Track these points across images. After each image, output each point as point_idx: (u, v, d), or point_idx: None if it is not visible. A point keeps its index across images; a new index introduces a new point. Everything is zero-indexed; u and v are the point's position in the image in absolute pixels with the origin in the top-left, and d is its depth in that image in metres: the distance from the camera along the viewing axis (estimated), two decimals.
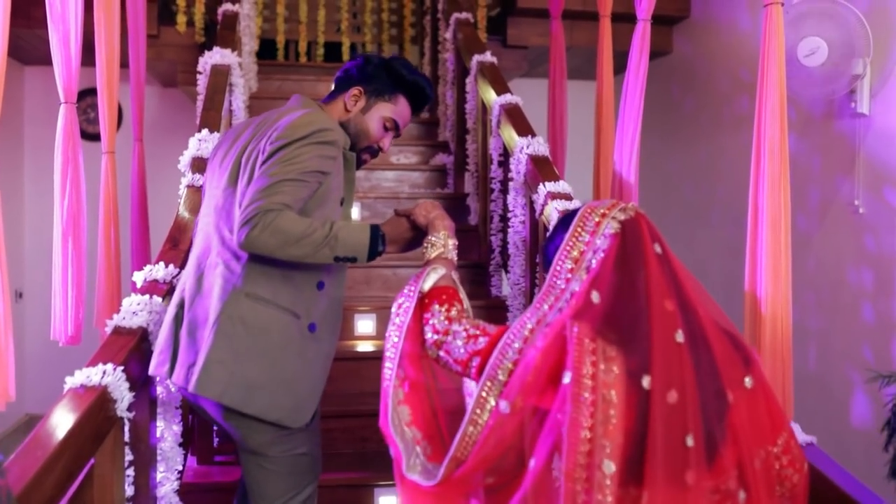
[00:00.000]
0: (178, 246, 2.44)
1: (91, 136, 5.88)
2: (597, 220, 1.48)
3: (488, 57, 3.90)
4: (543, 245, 1.68)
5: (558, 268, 1.49)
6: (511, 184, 3.21)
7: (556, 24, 4.51)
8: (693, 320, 1.42)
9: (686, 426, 1.35)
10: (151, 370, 2.00)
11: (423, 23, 5.46)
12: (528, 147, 3.08)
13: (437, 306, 1.64)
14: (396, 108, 2.06)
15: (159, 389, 2.16)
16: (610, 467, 1.32)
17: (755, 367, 1.48)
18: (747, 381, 1.45)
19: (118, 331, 2.04)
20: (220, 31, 4.17)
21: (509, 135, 3.35)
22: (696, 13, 5.41)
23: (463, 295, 1.71)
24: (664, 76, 5.73)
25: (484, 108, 3.87)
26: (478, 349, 1.54)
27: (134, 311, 2.09)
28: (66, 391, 1.80)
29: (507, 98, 3.46)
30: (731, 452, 1.41)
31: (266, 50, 5.77)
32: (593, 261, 1.45)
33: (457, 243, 1.85)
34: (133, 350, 1.98)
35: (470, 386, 1.74)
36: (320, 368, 1.99)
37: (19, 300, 5.89)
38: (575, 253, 1.47)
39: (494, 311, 3.45)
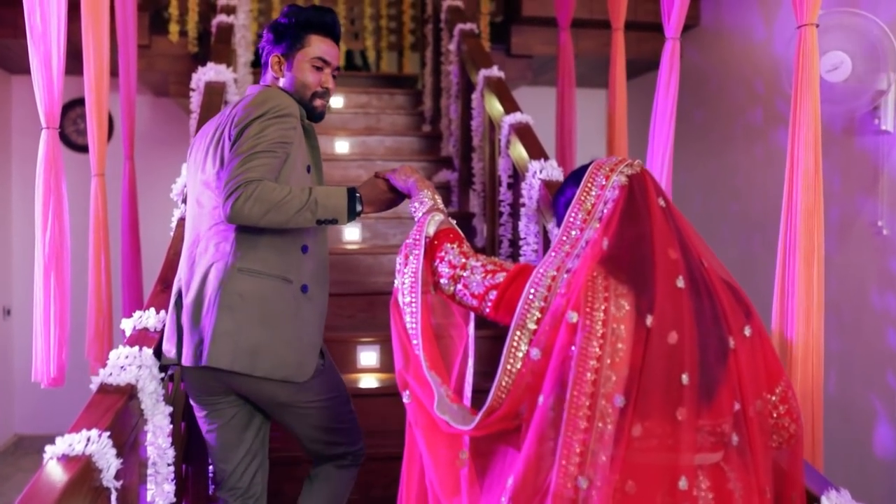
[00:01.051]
0: (169, 288, 2.26)
1: (80, 147, 5.70)
2: (606, 173, 1.56)
3: (495, 72, 3.73)
4: (553, 198, 1.74)
5: (572, 218, 1.56)
6: (523, 209, 3.04)
7: (564, 34, 4.35)
8: (696, 269, 1.50)
9: (683, 365, 1.42)
10: (163, 357, 2.09)
11: (425, 31, 5.28)
12: (541, 171, 2.91)
13: (448, 244, 1.71)
14: (314, 48, 2.16)
15: (150, 450, 1.98)
16: (621, 400, 1.40)
17: (755, 319, 1.55)
18: (747, 330, 1.51)
19: (104, 389, 1.86)
20: (215, 45, 3.99)
21: (519, 156, 3.18)
22: (706, 21, 5.25)
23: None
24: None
25: (491, 126, 3.69)
26: (496, 283, 1.61)
27: (122, 365, 1.92)
28: (47, 461, 1.63)
29: (518, 117, 3.28)
30: (728, 395, 1.47)
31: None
32: (604, 210, 1.53)
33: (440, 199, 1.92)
34: (120, 411, 1.80)
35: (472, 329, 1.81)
36: (317, 325, 2.13)
37: (7, 317, 5.70)
38: (587, 205, 1.55)
39: (502, 341, 3.27)
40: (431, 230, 1.76)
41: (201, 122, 3.24)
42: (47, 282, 2.60)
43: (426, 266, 1.71)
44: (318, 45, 2.16)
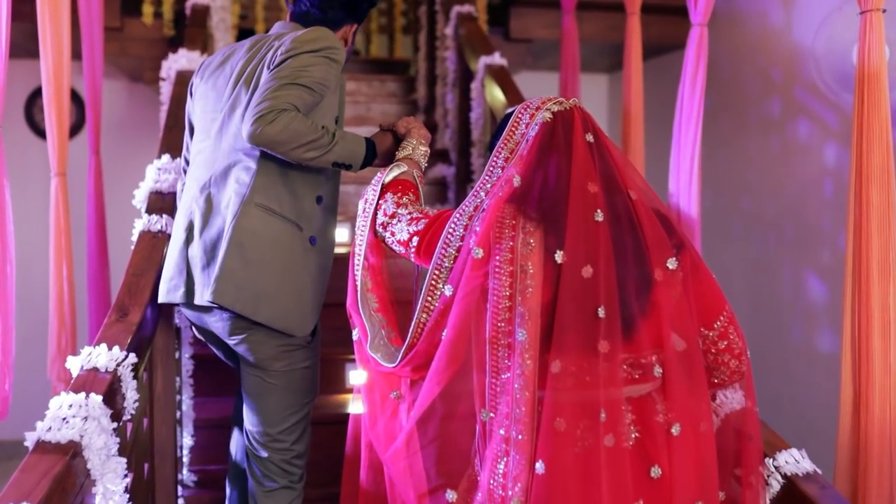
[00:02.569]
0: (127, 316, 1.94)
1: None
2: (532, 112, 1.57)
3: (497, 59, 3.41)
4: (489, 141, 1.73)
5: (496, 158, 1.59)
6: None
7: (568, 18, 4.03)
8: (620, 202, 1.48)
9: (598, 299, 1.42)
10: (162, 298, 2.05)
11: (418, 14, 4.94)
12: None
13: (390, 194, 1.77)
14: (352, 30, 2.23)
15: None
16: (523, 335, 1.41)
17: (687, 251, 1.53)
18: (671, 262, 1.48)
19: (42, 448, 1.55)
20: (188, 29, 3.65)
21: None
22: (718, 4, 4.91)
23: (420, 189, 1.84)
24: (678, 72, 5.25)
25: (493, 118, 3.38)
26: (418, 230, 1.66)
27: (64, 416, 1.60)
28: None
29: None
30: (651, 328, 1.47)
31: None
32: (526, 151, 1.53)
33: (427, 151, 1.97)
34: (59, 476, 1.49)
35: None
36: (322, 281, 2.08)
37: None
38: (511, 143, 1.57)
39: None
40: (388, 178, 1.82)
41: (172, 113, 2.91)
42: None
43: (377, 208, 1.78)
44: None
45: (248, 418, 2.09)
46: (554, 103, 1.57)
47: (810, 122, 4.14)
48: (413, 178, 1.85)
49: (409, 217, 1.69)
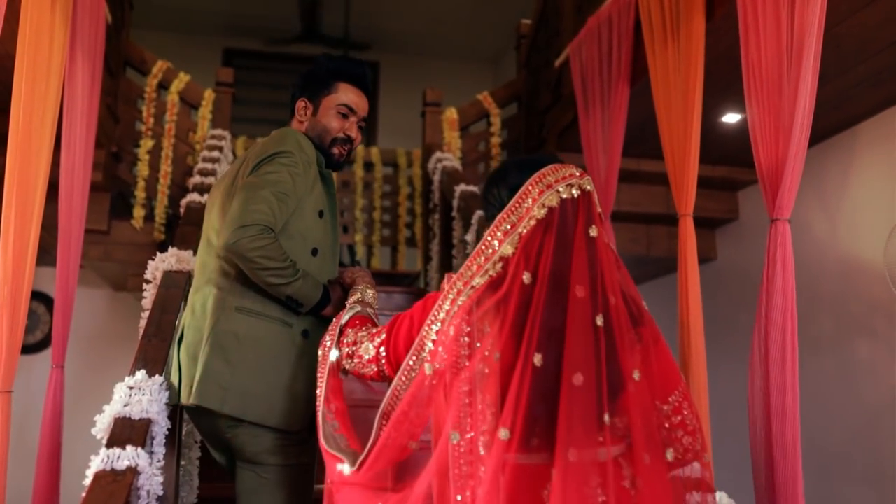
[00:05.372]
0: None
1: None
2: (542, 188, 1.50)
3: None
4: (485, 183, 1.65)
5: (494, 229, 1.51)
6: None
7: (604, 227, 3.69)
8: (601, 307, 1.45)
9: (598, 405, 1.39)
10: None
11: (430, 222, 4.63)
12: None
13: (349, 330, 1.77)
14: (340, 95, 2.19)
15: None
16: (505, 434, 1.37)
17: (648, 326, 1.54)
18: (636, 374, 1.47)
19: None
20: (181, 228, 3.24)
21: None
22: (746, 215, 4.66)
23: (377, 322, 1.84)
24: (707, 285, 4.87)
25: None
26: (382, 340, 1.64)
27: None
28: None
29: None
30: (621, 427, 1.45)
31: None
32: (525, 229, 1.48)
33: (376, 294, 2.01)
34: None
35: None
36: (315, 373, 2.00)
37: None
38: (514, 217, 1.50)
39: None
40: (345, 320, 1.80)
41: (154, 320, 2.42)
42: None
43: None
44: (345, 93, 2.19)
45: None
46: (565, 185, 1.50)
47: (871, 340, 3.71)
48: (369, 315, 1.86)
49: (368, 335, 1.68)
